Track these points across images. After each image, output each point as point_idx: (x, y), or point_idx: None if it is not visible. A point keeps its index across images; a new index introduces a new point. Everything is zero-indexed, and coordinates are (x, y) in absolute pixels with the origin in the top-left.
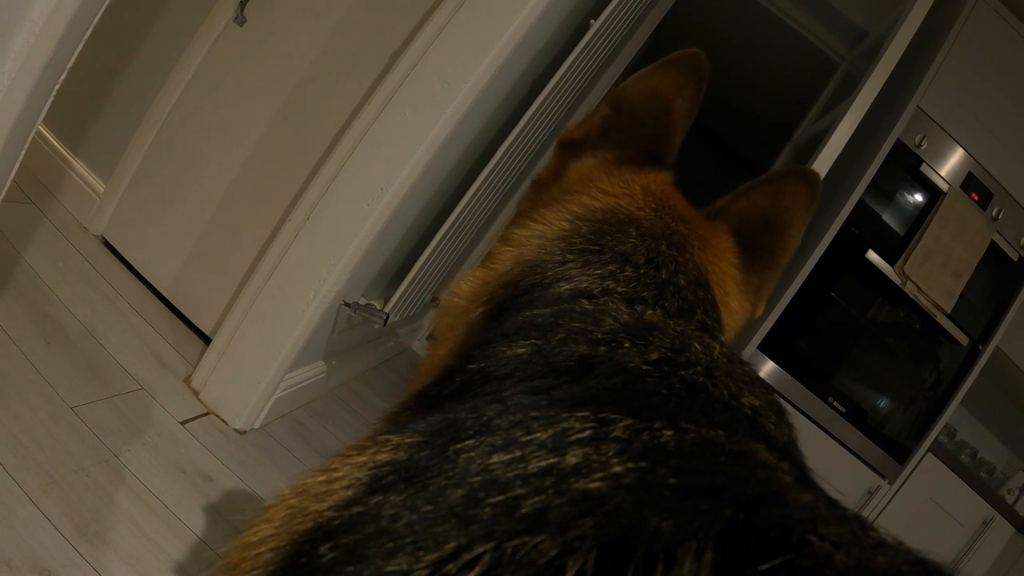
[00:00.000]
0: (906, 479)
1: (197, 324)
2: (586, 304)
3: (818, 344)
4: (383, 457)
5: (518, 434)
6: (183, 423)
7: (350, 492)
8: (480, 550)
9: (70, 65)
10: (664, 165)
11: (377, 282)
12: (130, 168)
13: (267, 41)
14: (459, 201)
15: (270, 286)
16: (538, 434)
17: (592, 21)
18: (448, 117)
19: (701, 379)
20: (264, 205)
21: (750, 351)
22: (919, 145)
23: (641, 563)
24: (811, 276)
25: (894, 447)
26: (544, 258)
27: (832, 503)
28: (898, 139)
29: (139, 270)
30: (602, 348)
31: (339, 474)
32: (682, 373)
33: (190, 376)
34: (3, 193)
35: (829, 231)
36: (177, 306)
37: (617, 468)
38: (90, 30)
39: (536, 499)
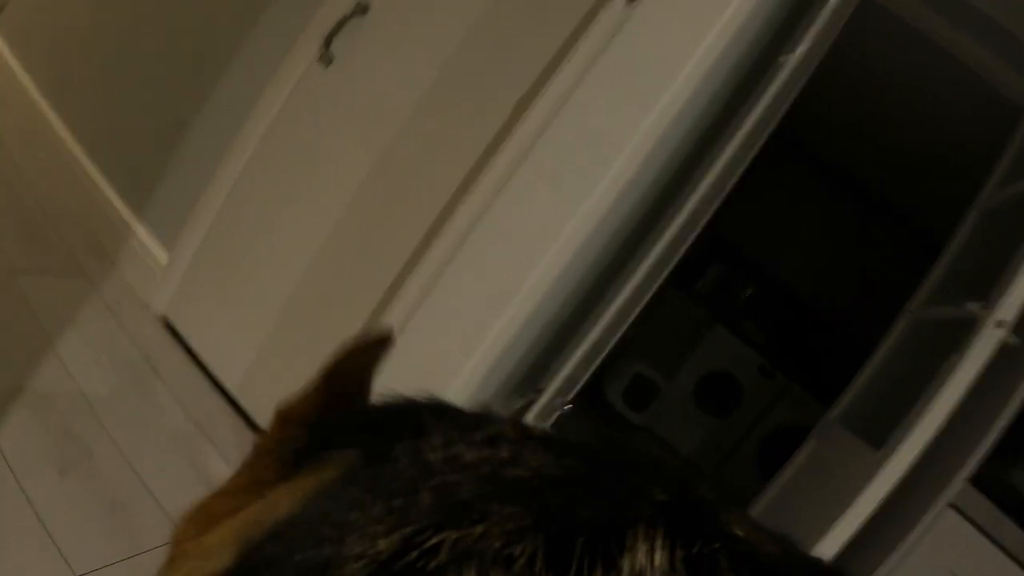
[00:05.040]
0: None
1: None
2: None
3: None
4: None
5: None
6: None
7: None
8: (427, 538)
9: None
10: None
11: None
12: (195, 240)
13: (357, 86)
14: (609, 297)
15: None
16: (475, 433)
17: (783, 58)
18: (602, 194)
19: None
20: (348, 298)
21: (955, 489)
22: None
23: (595, 545)
24: None
25: None
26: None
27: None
28: None
29: (201, 357)
30: None
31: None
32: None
33: None
34: None
35: None
36: (246, 408)
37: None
38: None
39: (474, 487)
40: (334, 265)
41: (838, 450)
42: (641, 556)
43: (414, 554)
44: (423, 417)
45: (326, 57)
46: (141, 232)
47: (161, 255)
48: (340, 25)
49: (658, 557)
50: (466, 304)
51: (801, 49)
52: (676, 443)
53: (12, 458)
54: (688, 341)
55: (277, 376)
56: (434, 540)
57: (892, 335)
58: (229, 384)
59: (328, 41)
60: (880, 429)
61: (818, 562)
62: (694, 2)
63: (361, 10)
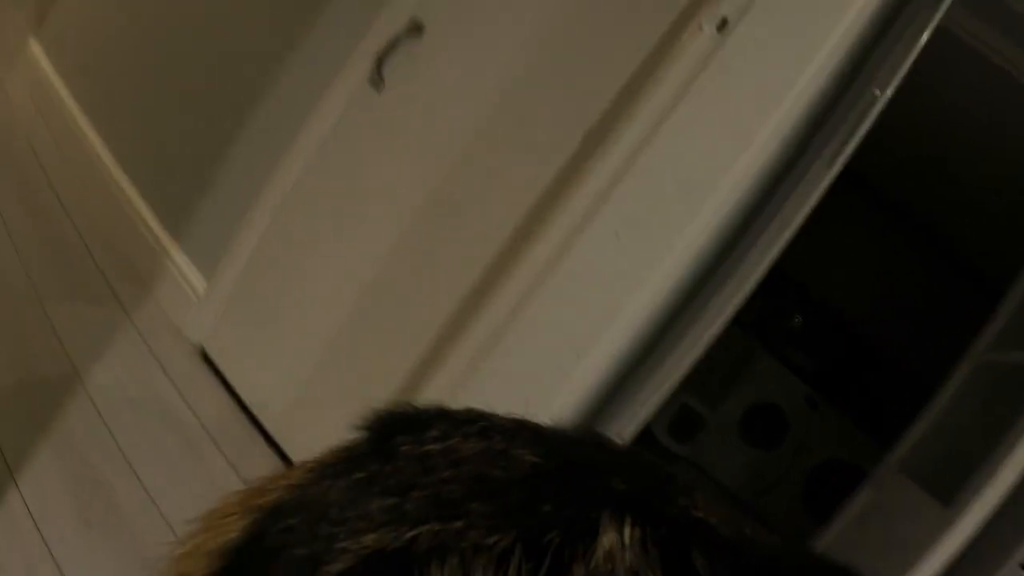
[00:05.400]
0: None
1: None
2: None
3: None
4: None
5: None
6: None
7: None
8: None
9: None
10: None
11: None
12: (236, 268)
13: (411, 110)
14: (685, 342)
15: None
16: (470, 426)
17: (877, 92)
18: (687, 242)
19: None
20: (396, 338)
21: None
22: None
23: (568, 533)
24: None
25: None
26: None
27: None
28: None
29: (239, 393)
30: None
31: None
32: None
33: None
34: None
35: None
36: (284, 448)
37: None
38: None
39: (461, 487)
40: (382, 302)
41: (900, 502)
42: (612, 535)
43: (395, 545)
44: (423, 417)
45: (376, 80)
46: (179, 257)
47: (199, 282)
48: (392, 46)
49: (628, 537)
50: (537, 357)
51: (893, 85)
52: (719, 474)
53: (33, 504)
54: (734, 370)
55: (317, 417)
56: (414, 532)
57: (955, 379)
58: (267, 422)
59: (379, 63)
60: (945, 481)
61: (777, 542)
62: (797, 28)
63: (416, 31)
